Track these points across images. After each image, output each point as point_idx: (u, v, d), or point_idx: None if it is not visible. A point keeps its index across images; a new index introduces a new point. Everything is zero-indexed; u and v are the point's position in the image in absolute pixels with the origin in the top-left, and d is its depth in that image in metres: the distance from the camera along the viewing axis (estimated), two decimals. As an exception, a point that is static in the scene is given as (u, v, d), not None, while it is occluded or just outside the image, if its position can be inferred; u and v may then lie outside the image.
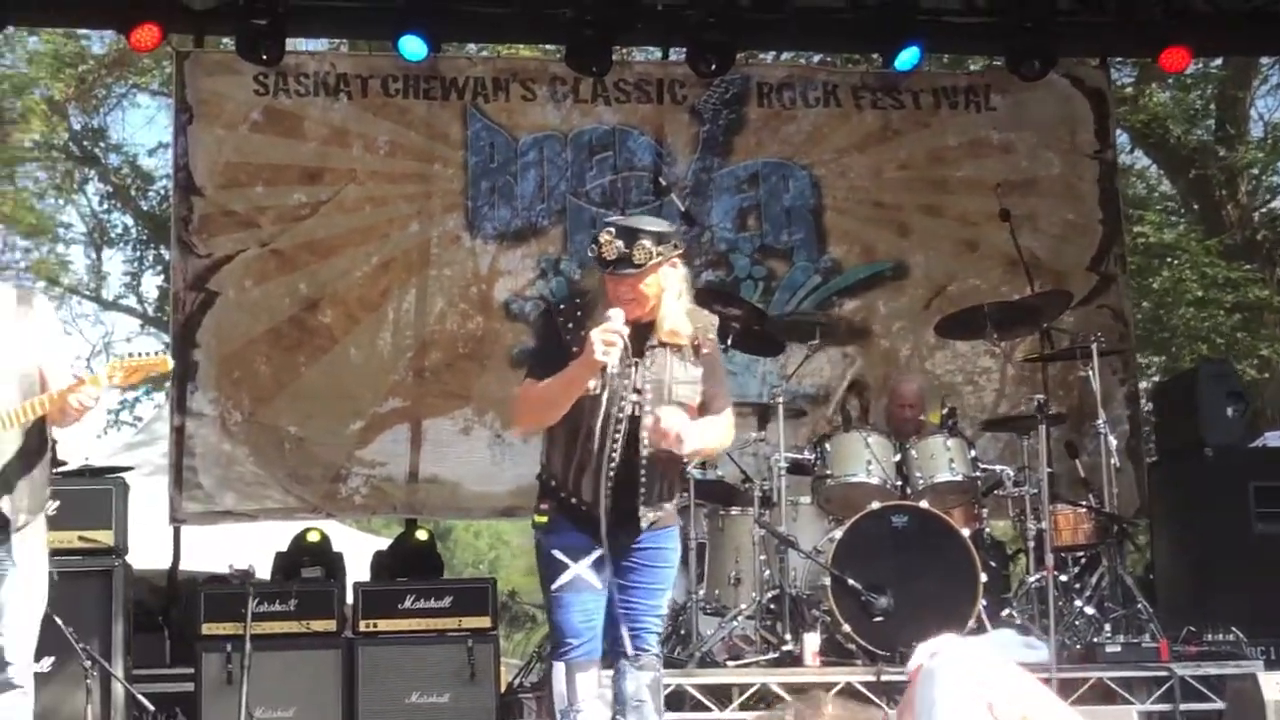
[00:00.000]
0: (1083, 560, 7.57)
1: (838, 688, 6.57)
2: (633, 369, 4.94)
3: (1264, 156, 17.11)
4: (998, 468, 7.67)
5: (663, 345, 5.00)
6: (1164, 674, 6.70)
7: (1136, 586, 7.43)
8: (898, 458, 7.36)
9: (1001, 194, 9.07)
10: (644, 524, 5.03)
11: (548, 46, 11.59)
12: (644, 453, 4.95)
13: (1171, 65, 10.63)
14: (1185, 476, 8.59)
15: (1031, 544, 7.28)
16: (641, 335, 4.95)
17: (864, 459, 7.32)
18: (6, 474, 5.15)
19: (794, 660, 6.74)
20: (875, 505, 6.97)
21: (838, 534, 6.97)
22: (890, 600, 6.80)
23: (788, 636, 6.79)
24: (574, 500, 5.00)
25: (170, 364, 5.47)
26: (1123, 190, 12.51)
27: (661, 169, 10.36)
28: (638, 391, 4.94)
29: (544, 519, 5.04)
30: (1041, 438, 7.19)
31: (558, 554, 4.96)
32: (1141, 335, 15.22)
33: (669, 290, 4.97)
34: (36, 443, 5.27)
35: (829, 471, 7.36)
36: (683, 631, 7.05)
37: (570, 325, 4.97)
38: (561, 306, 5.13)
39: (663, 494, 5.09)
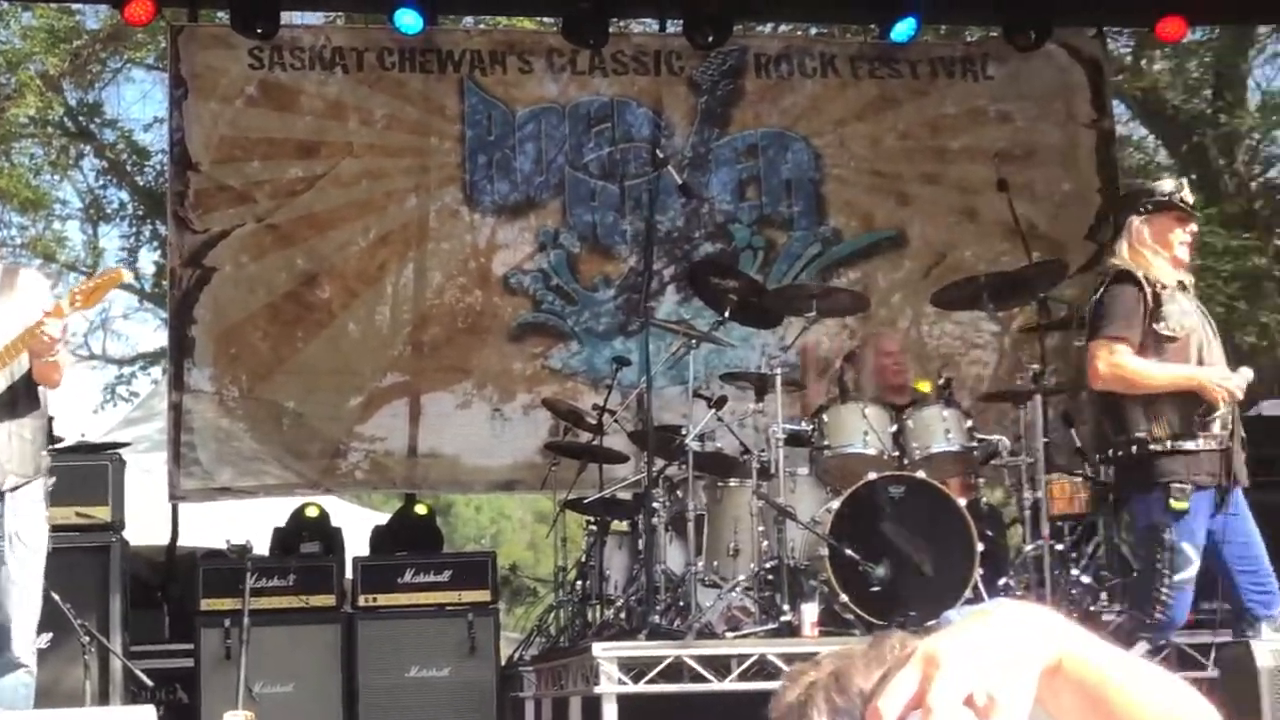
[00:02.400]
0: (1079, 529, 7.56)
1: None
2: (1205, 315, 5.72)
3: (1261, 125, 17.07)
4: (994, 438, 7.64)
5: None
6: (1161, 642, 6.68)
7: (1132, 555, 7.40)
8: (894, 428, 7.33)
9: (999, 163, 9.06)
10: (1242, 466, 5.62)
11: (545, 19, 11.57)
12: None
13: (1168, 35, 10.64)
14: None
15: (1028, 513, 7.27)
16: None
17: (861, 430, 7.29)
18: None
19: (792, 631, 6.74)
20: (872, 475, 6.96)
21: (835, 504, 6.97)
22: (887, 570, 6.80)
23: (786, 607, 6.77)
24: (1201, 442, 5.45)
25: (125, 273, 5.52)
26: (1121, 160, 12.49)
27: (660, 141, 10.35)
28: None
29: (1184, 504, 5.39)
30: (1037, 408, 7.19)
31: (1187, 548, 5.38)
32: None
33: None
34: (25, 402, 5.20)
35: (826, 443, 7.33)
36: (681, 603, 7.05)
37: (1154, 304, 5.55)
38: (1143, 282, 5.63)
39: None
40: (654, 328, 8.19)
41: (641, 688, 6.35)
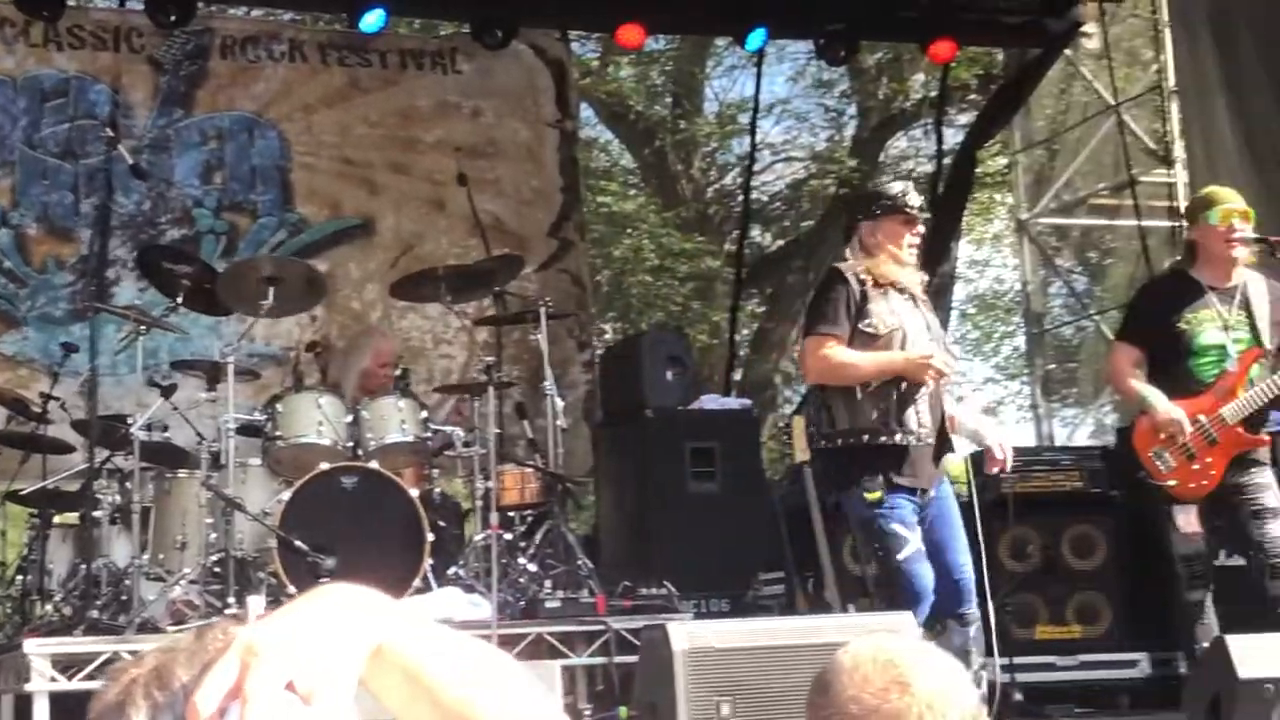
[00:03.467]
0: (529, 519, 7.77)
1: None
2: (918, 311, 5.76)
3: (717, 133, 18.04)
4: (448, 428, 7.75)
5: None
6: (600, 628, 6.86)
7: (580, 544, 7.65)
8: (350, 419, 7.35)
9: (464, 158, 9.23)
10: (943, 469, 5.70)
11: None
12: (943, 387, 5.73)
13: (627, 41, 11.01)
14: (627, 437, 8.94)
15: (480, 503, 7.42)
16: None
17: (315, 420, 7.25)
18: None
19: (237, 623, 6.63)
20: (324, 466, 6.96)
21: (286, 495, 6.92)
22: (337, 561, 6.79)
23: (231, 600, 6.68)
24: (899, 438, 5.51)
25: None
26: (585, 161, 12.93)
27: (118, 120, 9.97)
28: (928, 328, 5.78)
29: (878, 494, 5.42)
30: (490, 400, 7.36)
31: (897, 529, 5.43)
32: (603, 302, 15.80)
33: None
34: None
35: (279, 433, 7.27)
36: (124, 598, 6.84)
37: (861, 301, 5.63)
38: (850, 276, 5.68)
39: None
40: (111, 314, 7.93)
41: (76, 684, 6.12)
